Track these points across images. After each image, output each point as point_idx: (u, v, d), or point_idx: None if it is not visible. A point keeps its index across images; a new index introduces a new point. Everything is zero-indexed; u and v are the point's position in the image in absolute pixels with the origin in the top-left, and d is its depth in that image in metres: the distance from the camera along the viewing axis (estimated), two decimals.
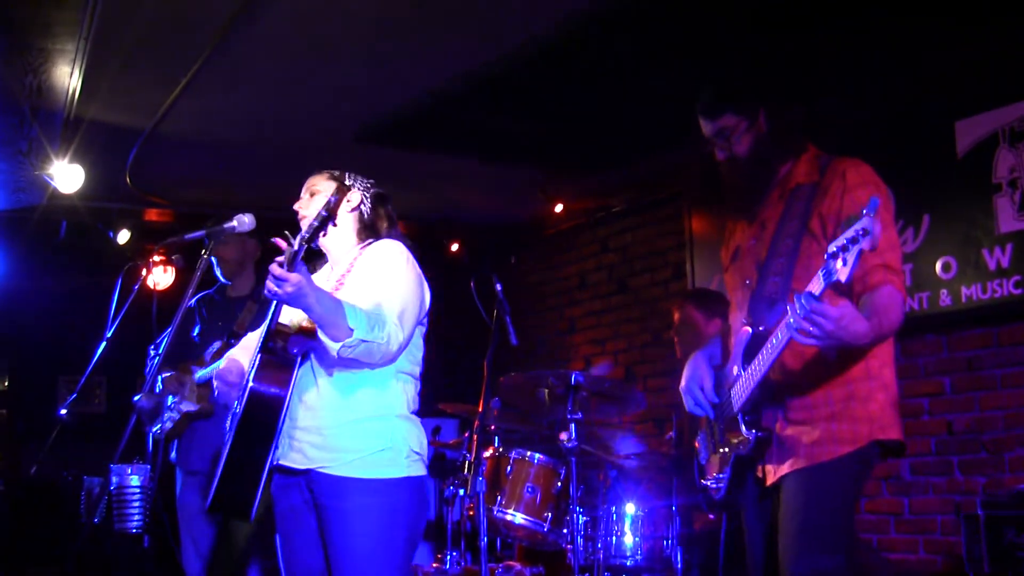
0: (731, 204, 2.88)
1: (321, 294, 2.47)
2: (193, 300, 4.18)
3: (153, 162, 5.67)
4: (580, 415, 4.20)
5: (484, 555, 4.06)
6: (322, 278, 2.79)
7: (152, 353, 4.12)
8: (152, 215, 6.84)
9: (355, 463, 2.61)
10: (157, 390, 3.88)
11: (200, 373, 3.96)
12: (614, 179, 6.43)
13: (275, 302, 2.55)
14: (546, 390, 4.41)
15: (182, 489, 4.06)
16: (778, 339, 2.39)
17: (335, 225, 2.56)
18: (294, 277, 2.39)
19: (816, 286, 2.21)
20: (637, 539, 4.31)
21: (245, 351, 2.92)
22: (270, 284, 2.42)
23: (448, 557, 4.66)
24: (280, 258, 2.43)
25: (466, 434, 4.42)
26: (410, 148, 5.70)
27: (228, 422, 2.81)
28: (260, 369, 2.58)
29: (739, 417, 2.61)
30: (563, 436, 4.15)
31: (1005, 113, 4.51)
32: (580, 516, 4.23)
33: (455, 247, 7.27)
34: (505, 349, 4.21)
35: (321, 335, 2.50)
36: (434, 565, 4.69)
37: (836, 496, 2.51)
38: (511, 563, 4.71)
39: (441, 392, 6.33)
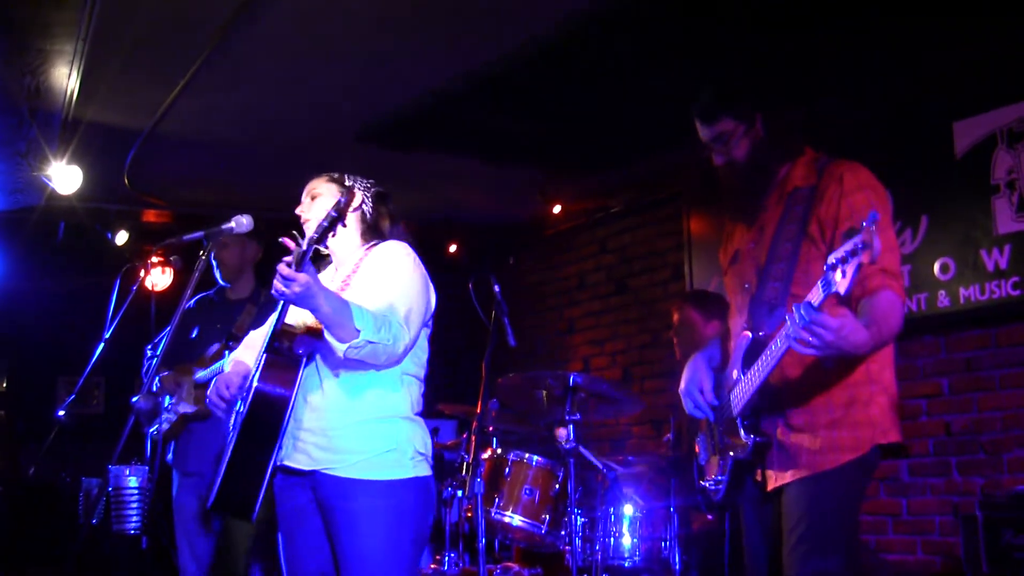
0: (729, 208, 2.88)
1: (329, 294, 2.47)
2: (192, 301, 4.18)
3: (152, 163, 5.67)
4: (578, 416, 4.21)
5: (482, 556, 4.06)
6: (326, 279, 2.79)
7: (149, 353, 4.12)
8: (150, 216, 6.84)
9: (360, 464, 2.61)
10: (154, 390, 3.88)
11: (201, 374, 3.96)
12: (613, 179, 6.43)
13: (282, 302, 2.54)
14: (544, 391, 4.42)
15: (178, 490, 4.06)
16: (777, 346, 2.39)
17: (344, 226, 2.56)
18: (302, 277, 2.39)
19: (815, 296, 2.21)
20: (635, 540, 4.30)
21: (250, 351, 2.92)
22: (278, 284, 2.41)
23: (446, 558, 4.66)
24: (288, 258, 2.43)
25: (464, 435, 4.42)
26: (410, 148, 5.70)
27: (232, 421, 2.81)
28: (265, 369, 2.58)
29: (738, 422, 2.61)
30: (560, 432, 4.15)
31: (1003, 114, 4.51)
32: (578, 517, 4.23)
33: (453, 248, 7.27)
34: (503, 350, 4.21)
35: (327, 336, 2.50)
36: (432, 566, 4.69)
37: (839, 503, 2.50)
38: (509, 564, 4.71)
39: (439, 393, 6.34)
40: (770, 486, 2.59)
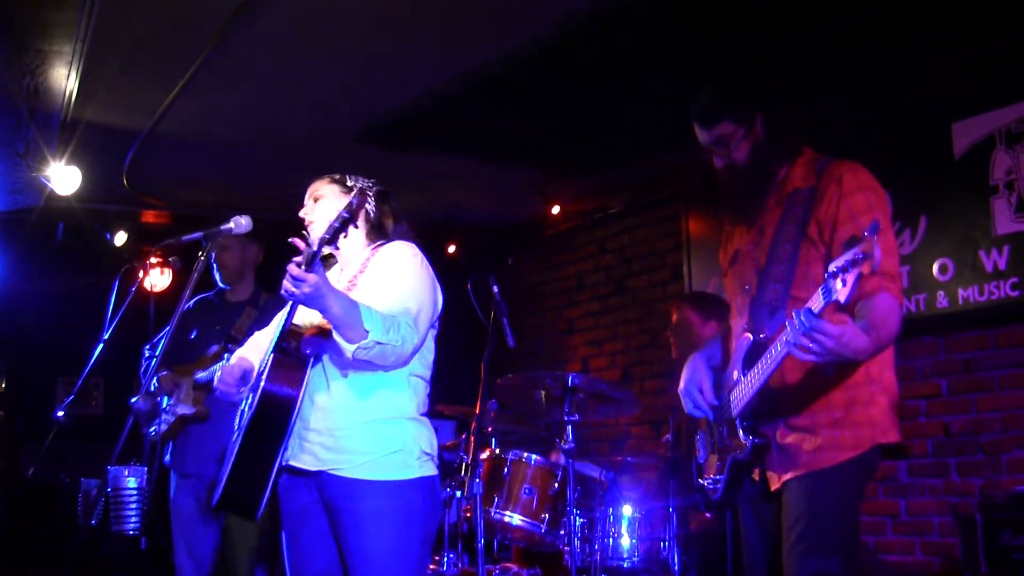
0: (730, 210, 2.88)
1: (338, 295, 2.47)
2: (191, 302, 4.17)
3: (150, 163, 5.67)
4: (577, 417, 4.21)
5: (481, 557, 4.06)
6: (332, 279, 2.79)
7: (148, 354, 4.12)
8: (149, 217, 6.84)
9: (367, 465, 2.61)
10: (152, 390, 3.88)
11: (200, 375, 3.96)
12: (612, 180, 6.43)
13: (291, 302, 2.54)
14: (543, 392, 4.42)
15: (176, 492, 4.05)
16: (777, 350, 2.39)
17: (356, 227, 2.56)
18: (312, 278, 2.39)
19: (816, 304, 2.21)
20: (634, 540, 4.31)
21: (253, 349, 2.92)
22: (287, 284, 2.41)
23: (445, 559, 4.65)
24: (298, 258, 2.42)
25: (463, 436, 4.42)
26: (409, 148, 5.70)
27: (237, 421, 2.81)
28: (273, 369, 2.58)
29: (737, 423, 2.61)
30: (558, 456, 4.17)
31: (1002, 115, 4.51)
32: (577, 517, 4.23)
33: (452, 248, 7.28)
34: (502, 350, 4.21)
35: (336, 336, 2.50)
36: (431, 567, 4.69)
37: (839, 501, 2.50)
38: (508, 565, 4.71)
39: (438, 393, 6.33)
40: (773, 487, 2.59)
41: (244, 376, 2.80)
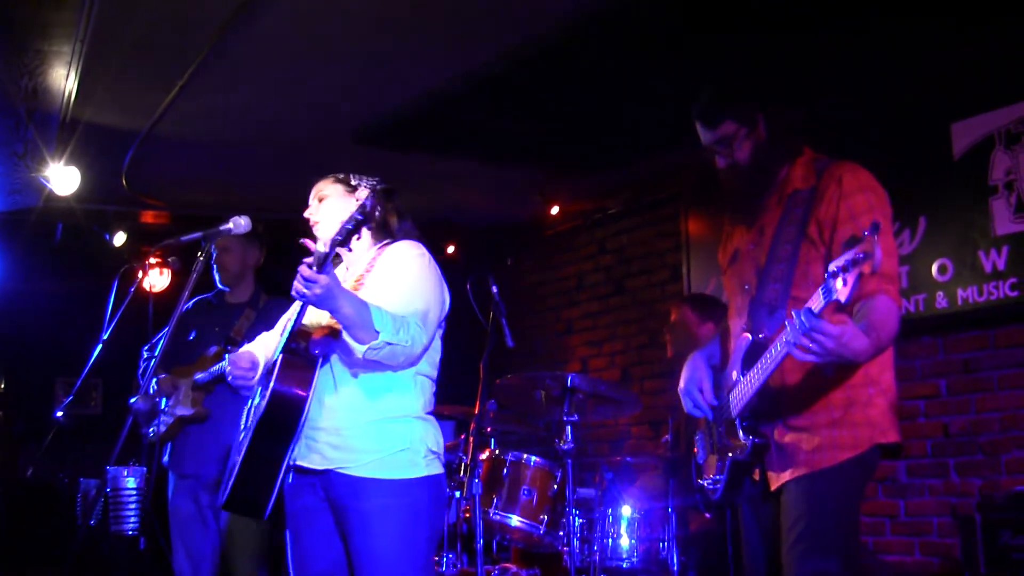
0: (730, 210, 2.87)
1: (349, 296, 2.47)
2: (190, 303, 4.17)
3: (150, 164, 5.66)
4: (576, 417, 4.21)
5: (480, 557, 4.05)
6: (338, 278, 2.79)
7: (146, 355, 4.11)
8: (148, 217, 6.84)
9: (373, 464, 2.61)
10: (151, 391, 3.87)
11: (199, 376, 3.95)
12: (612, 180, 6.43)
13: (301, 303, 2.54)
14: (542, 392, 4.41)
15: (174, 493, 4.04)
16: (777, 350, 2.39)
17: (370, 229, 2.55)
18: (324, 279, 2.39)
19: (816, 303, 2.21)
20: (633, 541, 4.31)
21: (262, 348, 2.91)
22: (298, 285, 2.41)
23: (444, 559, 4.65)
24: (309, 259, 2.42)
25: (462, 436, 4.41)
26: (409, 149, 5.70)
27: (244, 420, 2.81)
28: (282, 369, 2.58)
29: (737, 423, 2.61)
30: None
31: (1001, 115, 4.51)
32: (576, 518, 4.23)
33: (451, 249, 7.28)
34: (501, 351, 4.21)
35: (346, 337, 2.50)
36: None
37: (838, 501, 2.50)
38: (507, 565, 4.71)
39: (437, 394, 6.32)
40: (773, 486, 2.59)
41: (254, 365, 2.80)
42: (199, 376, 3.94)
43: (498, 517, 4.30)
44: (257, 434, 2.57)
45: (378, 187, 2.87)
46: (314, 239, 2.66)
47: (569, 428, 4.19)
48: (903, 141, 4.82)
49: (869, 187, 2.57)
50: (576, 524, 4.21)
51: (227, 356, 2.86)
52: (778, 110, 2.70)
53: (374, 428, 2.64)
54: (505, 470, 4.39)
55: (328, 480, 2.65)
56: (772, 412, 2.58)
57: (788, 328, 2.28)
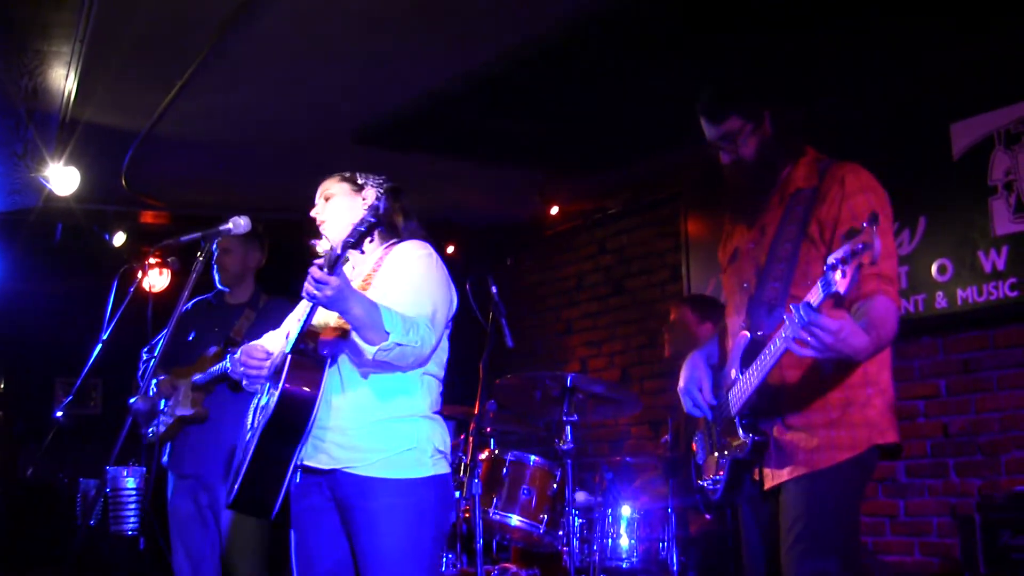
0: (733, 207, 2.87)
1: (359, 297, 2.47)
2: (189, 304, 4.17)
3: (149, 164, 5.66)
4: (576, 417, 4.21)
5: (480, 557, 4.06)
6: None
7: (145, 356, 4.11)
8: (148, 217, 6.84)
9: (380, 463, 2.61)
10: (151, 393, 3.87)
11: (199, 376, 3.95)
12: (611, 180, 6.43)
13: (311, 304, 2.54)
14: (542, 392, 4.41)
15: (173, 493, 4.04)
16: (776, 346, 2.39)
17: (383, 230, 2.54)
18: (335, 280, 2.38)
19: (815, 297, 2.20)
20: (633, 541, 4.31)
21: (269, 346, 2.91)
22: (309, 287, 2.40)
23: (444, 559, 4.66)
24: (319, 260, 2.42)
25: (462, 436, 4.42)
26: (409, 149, 5.70)
27: (250, 420, 2.80)
28: (291, 370, 2.57)
29: (736, 421, 2.61)
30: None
31: (1001, 115, 4.52)
32: (576, 518, 4.23)
33: (451, 249, 7.28)
34: (501, 351, 4.21)
35: (356, 338, 2.50)
36: None
37: (837, 502, 2.50)
38: (507, 565, 4.71)
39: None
40: (768, 485, 2.60)
41: (268, 355, 2.78)
42: (198, 377, 3.94)
43: (498, 517, 4.30)
44: (265, 434, 2.57)
45: (386, 186, 2.87)
46: (320, 238, 2.66)
47: (569, 428, 4.19)
48: (903, 141, 4.83)
49: (870, 188, 2.57)
50: (576, 524, 4.22)
51: (231, 352, 2.85)
52: (782, 107, 2.70)
53: (381, 427, 2.63)
54: (505, 470, 4.39)
55: (335, 480, 2.64)
56: (771, 410, 2.58)
57: (787, 322, 2.28)
